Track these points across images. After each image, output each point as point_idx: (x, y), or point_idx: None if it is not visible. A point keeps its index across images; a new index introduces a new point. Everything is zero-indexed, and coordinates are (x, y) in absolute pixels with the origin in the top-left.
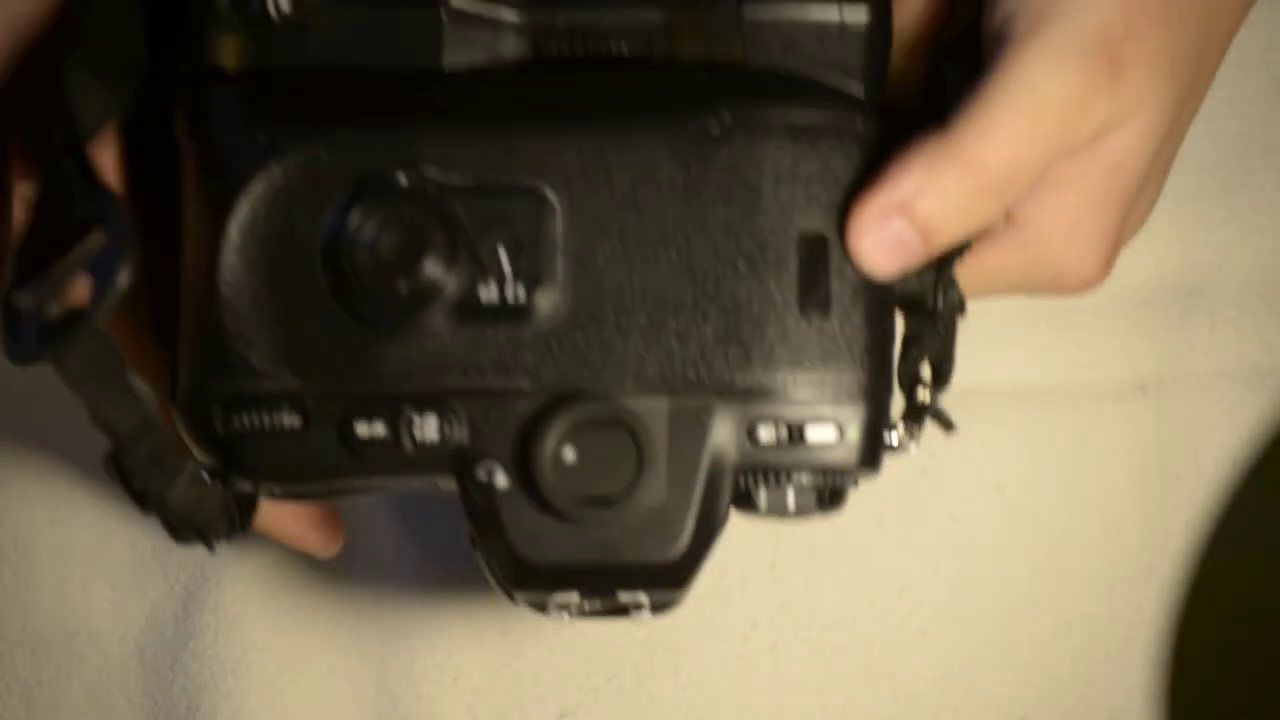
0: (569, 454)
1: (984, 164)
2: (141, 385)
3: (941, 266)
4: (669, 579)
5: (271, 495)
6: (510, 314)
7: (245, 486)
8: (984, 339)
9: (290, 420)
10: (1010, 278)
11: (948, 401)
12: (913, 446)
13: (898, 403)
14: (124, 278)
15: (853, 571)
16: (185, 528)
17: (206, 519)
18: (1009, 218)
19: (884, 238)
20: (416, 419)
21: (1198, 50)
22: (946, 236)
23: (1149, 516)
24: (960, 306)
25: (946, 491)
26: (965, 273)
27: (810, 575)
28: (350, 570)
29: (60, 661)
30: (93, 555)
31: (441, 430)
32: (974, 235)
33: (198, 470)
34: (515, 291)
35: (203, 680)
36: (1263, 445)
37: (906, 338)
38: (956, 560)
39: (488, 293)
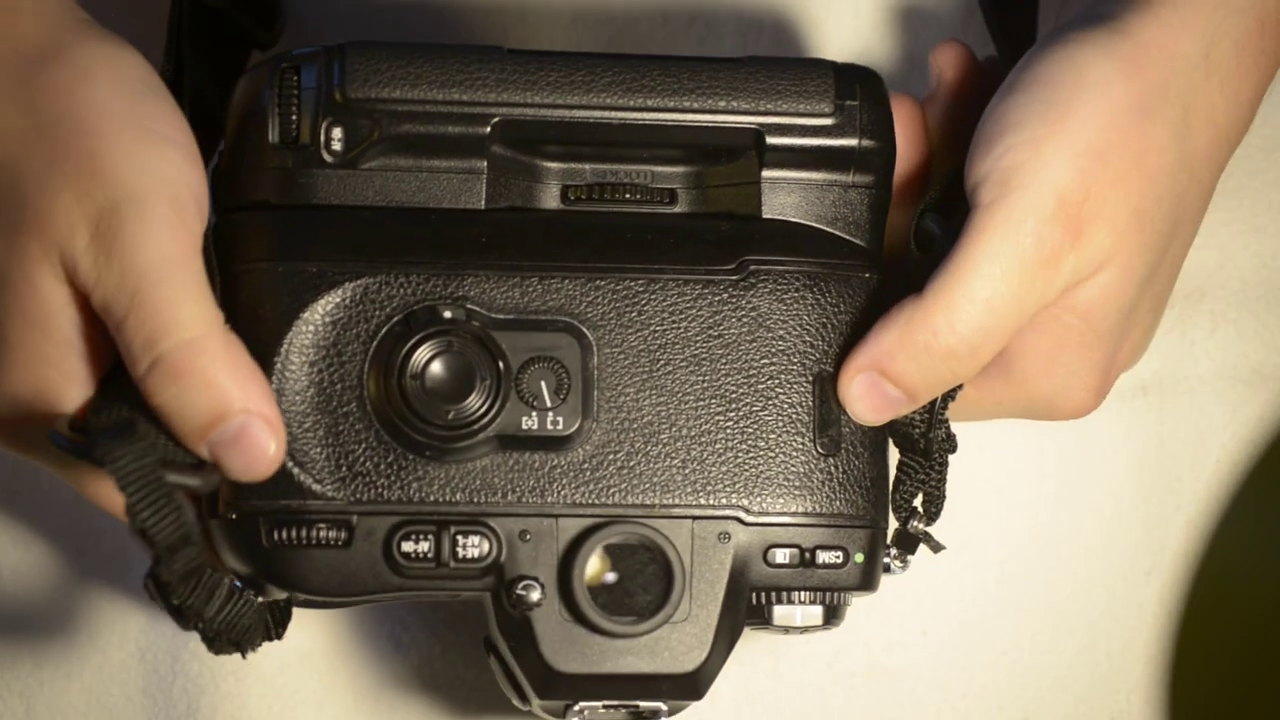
0: (603, 573)
1: (952, 330)
2: (183, 500)
3: (932, 409)
4: (688, 689)
5: (306, 604)
6: (549, 443)
7: (281, 596)
8: None
9: (335, 535)
10: (1005, 406)
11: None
12: (903, 569)
13: (891, 527)
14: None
15: None
16: (222, 640)
17: (244, 633)
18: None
19: (867, 391)
20: (461, 539)
21: (1173, 196)
22: (925, 393)
23: (1149, 516)
24: (951, 445)
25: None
26: (962, 401)
27: None
28: None
29: (60, 661)
30: (93, 555)
31: (482, 549)
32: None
33: (233, 584)
34: (554, 421)
35: (203, 680)
36: (1263, 446)
37: (900, 472)
38: (957, 561)
39: (529, 422)
